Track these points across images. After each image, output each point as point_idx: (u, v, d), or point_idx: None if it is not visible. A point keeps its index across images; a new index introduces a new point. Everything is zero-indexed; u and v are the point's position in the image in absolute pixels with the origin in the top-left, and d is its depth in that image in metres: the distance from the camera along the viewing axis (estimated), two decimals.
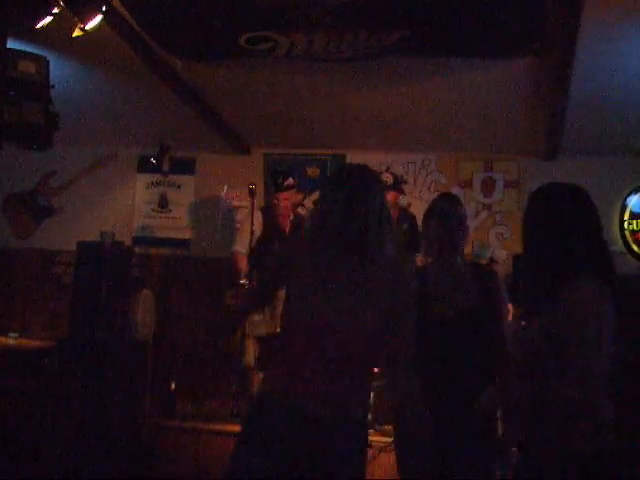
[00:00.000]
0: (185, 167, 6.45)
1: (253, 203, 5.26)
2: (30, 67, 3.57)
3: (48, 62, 3.68)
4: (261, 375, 3.35)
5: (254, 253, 5.08)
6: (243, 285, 4.95)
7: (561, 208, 2.37)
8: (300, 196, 5.38)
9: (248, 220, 5.26)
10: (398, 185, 5.33)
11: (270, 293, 2.72)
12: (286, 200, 5.23)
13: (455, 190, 6.12)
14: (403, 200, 5.71)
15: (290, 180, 5.29)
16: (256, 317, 4.86)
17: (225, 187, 5.89)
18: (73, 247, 5.16)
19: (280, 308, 5.05)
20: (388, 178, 5.29)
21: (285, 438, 2.25)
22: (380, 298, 2.31)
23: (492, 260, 5.11)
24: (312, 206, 6.27)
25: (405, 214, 5.41)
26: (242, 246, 5.24)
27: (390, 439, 4.42)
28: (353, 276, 2.31)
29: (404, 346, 2.34)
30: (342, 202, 2.34)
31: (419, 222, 3.49)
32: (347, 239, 2.31)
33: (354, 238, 2.31)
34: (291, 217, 5.34)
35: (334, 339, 2.26)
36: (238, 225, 5.87)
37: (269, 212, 5.34)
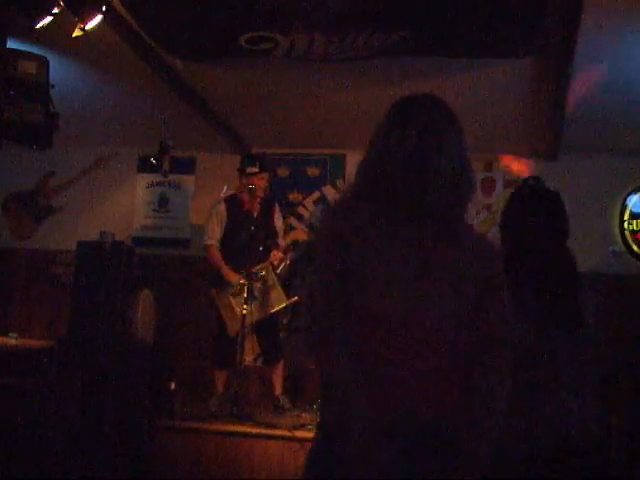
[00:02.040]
0: (185, 167, 6.45)
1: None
2: (30, 67, 3.56)
3: (48, 62, 3.68)
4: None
5: (223, 243, 5.26)
6: (242, 285, 4.94)
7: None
8: (269, 175, 5.42)
9: (214, 213, 5.34)
10: None
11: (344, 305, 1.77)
12: (262, 180, 5.24)
13: None
14: None
15: (265, 161, 5.39)
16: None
17: (225, 187, 5.88)
18: (73, 247, 5.16)
19: (275, 292, 5.12)
20: None
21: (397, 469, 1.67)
22: (468, 283, 1.75)
23: None
24: (312, 206, 6.28)
25: None
26: (213, 238, 5.30)
27: None
28: (435, 254, 1.73)
29: (495, 346, 1.78)
30: (411, 148, 1.74)
31: None
32: (421, 201, 1.70)
33: (431, 201, 1.70)
34: (260, 202, 5.31)
35: (425, 334, 1.72)
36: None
37: (235, 200, 5.33)
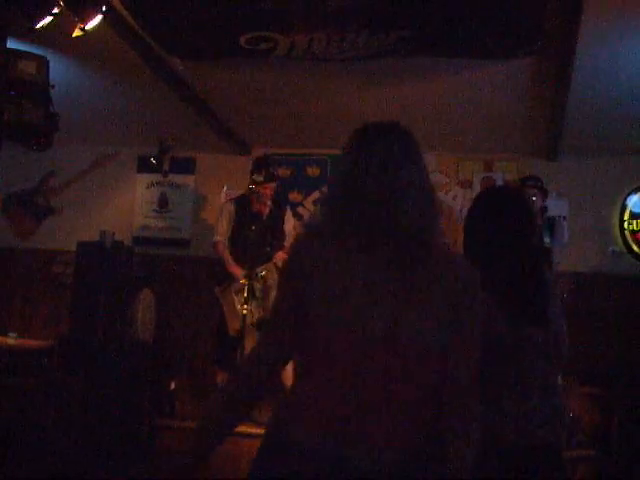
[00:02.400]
0: (185, 167, 6.45)
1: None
2: (30, 67, 3.56)
3: (48, 62, 3.68)
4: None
5: (230, 241, 5.33)
6: (243, 284, 4.96)
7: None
8: (275, 184, 5.44)
9: (223, 212, 5.42)
10: None
11: (293, 326, 1.68)
12: (267, 189, 5.26)
13: (455, 190, 6.14)
14: None
15: (276, 170, 5.40)
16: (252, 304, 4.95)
17: (225, 187, 5.89)
18: (73, 247, 5.16)
19: (273, 293, 5.13)
20: None
21: None
22: (440, 305, 1.61)
23: None
24: (312, 206, 6.28)
25: None
26: (221, 235, 5.38)
27: None
28: (402, 274, 1.62)
29: (468, 374, 1.63)
30: (375, 170, 1.68)
31: None
32: (386, 222, 1.63)
33: (397, 221, 1.63)
34: (269, 204, 5.34)
35: (387, 357, 1.56)
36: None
37: (244, 200, 5.36)
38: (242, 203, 5.38)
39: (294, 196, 6.32)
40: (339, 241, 1.66)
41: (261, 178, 5.18)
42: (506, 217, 2.36)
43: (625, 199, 5.86)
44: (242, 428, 4.66)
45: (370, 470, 1.51)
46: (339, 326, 1.58)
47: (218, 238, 5.39)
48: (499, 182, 6.08)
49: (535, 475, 2.20)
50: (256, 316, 5.04)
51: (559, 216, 5.51)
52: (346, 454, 1.52)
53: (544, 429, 2.24)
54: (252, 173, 5.25)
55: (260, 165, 5.29)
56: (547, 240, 4.96)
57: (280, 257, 5.25)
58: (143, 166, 6.45)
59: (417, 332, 1.57)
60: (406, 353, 1.56)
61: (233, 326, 5.06)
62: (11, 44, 3.50)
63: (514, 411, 2.20)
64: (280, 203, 5.57)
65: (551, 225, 5.09)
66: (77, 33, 3.40)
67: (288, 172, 6.33)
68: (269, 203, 5.36)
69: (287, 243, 5.45)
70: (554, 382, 2.34)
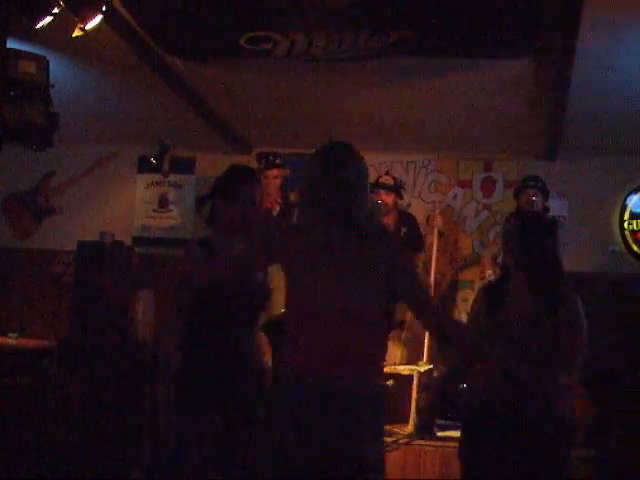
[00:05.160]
0: (185, 167, 6.45)
1: None
2: (30, 67, 3.56)
3: (48, 62, 3.68)
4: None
5: None
6: None
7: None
8: (287, 171, 5.36)
9: None
10: (398, 188, 5.31)
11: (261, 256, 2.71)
12: (276, 178, 5.18)
13: (455, 190, 6.13)
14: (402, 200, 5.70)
15: (279, 159, 5.31)
16: None
17: None
18: (73, 247, 5.16)
19: (276, 296, 5.13)
20: (388, 180, 5.29)
21: (313, 417, 2.28)
22: (380, 273, 2.38)
23: None
24: None
25: (403, 217, 5.37)
26: None
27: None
28: (350, 251, 2.38)
29: (427, 301, 2.58)
30: (323, 170, 2.43)
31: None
32: (335, 207, 2.38)
33: (342, 206, 2.38)
34: (280, 202, 5.27)
35: (343, 320, 2.32)
36: None
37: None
38: None
39: (294, 196, 6.31)
40: (303, 232, 2.45)
41: (262, 165, 5.14)
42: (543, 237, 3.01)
43: (625, 199, 5.86)
44: None
45: (339, 387, 2.30)
46: (311, 302, 2.36)
47: None
48: (499, 182, 6.08)
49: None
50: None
51: (560, 216, 5.50)
52: (330, 381, 2.29)
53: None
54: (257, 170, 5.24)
55: (260, 157, 5.28)
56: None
57: None
58: (143, 166, 6.45)
59: (362, 303, 2.36)
60: (356, 317, 2.35)
61: None
62: (11, 44, 3.50)
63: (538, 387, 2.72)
64: (290, 202, 5.50)
65: None
66: (77, 33, 3.40)
67: (288, 172, 6.32)
68: (279, 200, 5.29)
69: None
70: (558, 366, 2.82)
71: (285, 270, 2.47)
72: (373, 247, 2.41)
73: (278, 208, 5.28)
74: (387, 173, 5.65)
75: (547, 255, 2.92)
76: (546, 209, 5.15)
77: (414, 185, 6.13)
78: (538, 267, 2.87)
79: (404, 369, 4.87)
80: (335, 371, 2.30)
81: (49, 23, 3.32)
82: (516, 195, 5.29)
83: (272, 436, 2.35)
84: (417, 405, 4.79)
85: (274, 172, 5.17)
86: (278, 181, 5.21)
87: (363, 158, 2.52)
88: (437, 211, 5.59)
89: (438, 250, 5.40)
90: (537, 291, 2.85)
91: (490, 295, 3.02)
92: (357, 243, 2.39)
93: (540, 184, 5.19)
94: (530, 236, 2.93)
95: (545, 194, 5.21)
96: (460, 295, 5.98)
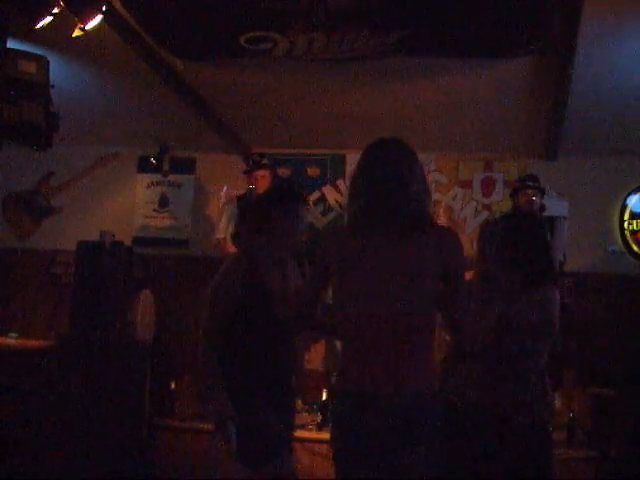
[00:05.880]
0: (185, 167, 6.45)
1: None
2: (30, 67, 3.56)
3: (48, 62, 3.68)
4: None
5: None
6: None
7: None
8: (273, 172, 5.45)
9: (224, 212, 5.52)
10: None
11: (318, 293, 2.58)
12: (263, 178, 5.31)
13: (455, 190, 6.13)
14: None
15: (265, 159, 5.44)
16: None
17: (225, 187, 5.89)
18: (73, 247, 5.15)
19: None
20: None
21: (371, 429, 2.28)
22: (428, 273, 2.31)
23: None
24: (312, 206, 6.28)
25: None
26: (222, 232, 5.46)
27: None
28: (394, 251, 2.31)
29: (458, 307, 2.43)
30: (360, 168, 2.36)
31: None
32: (401, 212, 2.30)
33: (409, 210, 2.31)
34: None
35: (391, 327, 2.30)
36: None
37: (245, 200, 5.37)
38: (243, 203, 5.39)
39: (283, 171, 6.31)
40: (358, 236, 2.36)
41: (248, 168, 5.27)
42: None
43: (625, 199, 5.86)
44: None
45: (390, 395, 2.29)
46: (359, 310, 2.33)
47: (221, 235, 5.45)
48: (499, 182, 6.08)
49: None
50: None
51: (560, 217, 5.49)
52: (373, 391, 2.30)
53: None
54: (246, 168, 5.31)
55: (247, 159, 5.38)
56: (548, 237, 4.94)
57: None
58: (143, 166, 6.46)
59: (408, 310, 2.30)
60: (403, 324, 2.30)
61: None
62: (11, 44, 3.50)
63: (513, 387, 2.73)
64: None
65: (551, 224, 5.07)
66: (77, 33, 3.40)
67: (288, 172, 6.33)
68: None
69: None
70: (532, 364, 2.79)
71: (333, 275, 2.43)
72: (420, 245, 2.32)
73: None
74: None
75: (537, 254, 2.87)
76: (542, 207, 5.16)
77: None
78: (526, 266, 2.82)
79: None
80: (383, 377, 2.29)
81: (49, 23, 3.31)
82: (514, 194, 5.29)
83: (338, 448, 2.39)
84: None
85: (261, 172, 5.33)
86: (266, 180, 5.34)
87: (411, 153, 2.42)
88: (442, 209, 5.62)
89: None
90: (518, 291, 2.81)
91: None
92: (403, 242, 2.31)
93: (537, 183, 5.19)
94: (522, 236, 2.89)
95: (542, 193, 5.21)
96: None
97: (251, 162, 5.36)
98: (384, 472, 2.30)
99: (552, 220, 5.16)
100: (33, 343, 5.42)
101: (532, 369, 2.75)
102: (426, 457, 2.31)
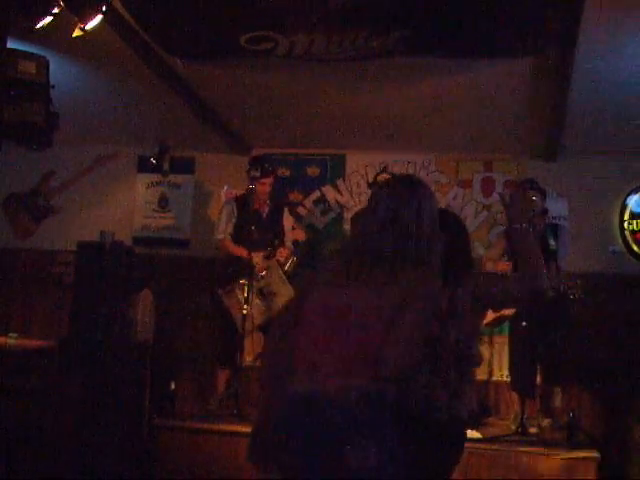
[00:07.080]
0: (185, 167, 6.46)
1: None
2: (30, 67, 3.56)
3: (48, 62, 3.67)
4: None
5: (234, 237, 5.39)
6: (243, 284, 4.96)
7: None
8: (272, 179, 5.45)
9: (223, 212, 5.48)
10: None
11: None
12: (264, 185, 5.31)
13: (455, 190, 6.14)
14: None
15: (271, 166, 5.45)
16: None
17: (225, 187, 5.89)
18: (73, 247, 5.15)
19: (284, 289, 5.14)
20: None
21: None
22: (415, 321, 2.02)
23: None
24: (312, 206, 6.29)
25: None
26: (224, 232, 5.43)
27: None
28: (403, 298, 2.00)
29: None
30: (385, 204, 2.13)
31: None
32: (390, 250, 2.07)
33: (402, 249, 2.07)
34: (269, 204, 5.45)
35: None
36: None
37: (245, 199, 5.38)
38: (242, 203, 5.40)
39: (294, 196, 6.32)
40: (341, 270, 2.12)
41: (257, 173, 5.23)
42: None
43: (625, 199, 5.86)
44: (242, 428, 4.67)
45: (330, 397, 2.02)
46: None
47: (222, 235, 5.43)
48: (499, 182, 6.08)
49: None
50: (265, 316, 5.03)
51: (563, 225, 5.48)
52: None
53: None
54: (249, 172, 5.28)
55: (256, 162, 5.35)
56: (552, 243, 4.94)
57: (282, 253, 5.28)
58: (143, 166, 6.46)
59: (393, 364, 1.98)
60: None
61: (242, 325, 5.06)
62: (11, 44, 3.50)
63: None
64: (278, 202, 5.63)
65: (554, 231, 5.07)
66: (77, 33, 3.40)
67: (288, 172, 6.33)
68: (268, 202, 5.40)
69: (286, 240, 5.48)
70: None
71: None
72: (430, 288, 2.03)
73: (267, 209, 5.44)
74: (384, 170, 5.67)
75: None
76: (545, 211, 5.15)
77: None
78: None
79: None
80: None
81: (49, 23, 3.32)
82: None
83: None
84: None
85: (268, 180, 5.33)
86: (269, 186, 5.36)
87: (420, 191, 2.19)
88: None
89: None
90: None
91: None
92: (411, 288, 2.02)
93: (537, 185, 5.18)
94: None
95: (544, 196, 5.20)
96: None
97: (261, 170, 5.32)
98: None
99: (555, 227, 5.15)
100: (33, 343, 5.42)
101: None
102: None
